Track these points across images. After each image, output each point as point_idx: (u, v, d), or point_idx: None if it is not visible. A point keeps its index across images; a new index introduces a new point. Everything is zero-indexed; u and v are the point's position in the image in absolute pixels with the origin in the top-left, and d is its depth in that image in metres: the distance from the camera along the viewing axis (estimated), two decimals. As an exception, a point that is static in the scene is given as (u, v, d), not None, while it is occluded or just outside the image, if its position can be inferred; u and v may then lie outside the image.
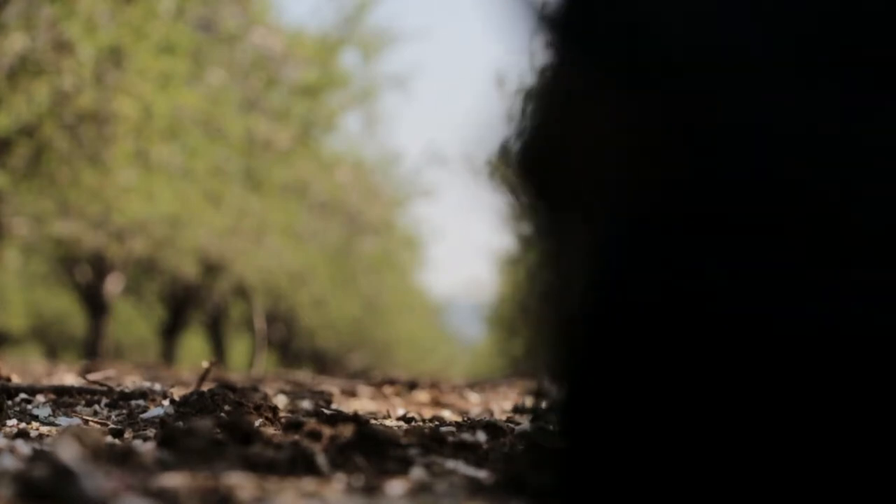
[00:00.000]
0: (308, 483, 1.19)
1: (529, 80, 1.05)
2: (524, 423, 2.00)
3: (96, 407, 2.07)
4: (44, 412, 1.96)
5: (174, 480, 1.12)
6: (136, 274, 14.44)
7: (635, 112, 0.90)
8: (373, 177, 18.20)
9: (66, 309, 19.86)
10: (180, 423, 1.58)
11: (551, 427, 1.56)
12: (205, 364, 2.24)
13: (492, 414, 2.76)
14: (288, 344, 22.52)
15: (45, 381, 2.86)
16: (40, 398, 2.13)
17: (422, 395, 3.28)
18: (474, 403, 3.15)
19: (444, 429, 1.84)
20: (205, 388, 2.31)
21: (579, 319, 0.93)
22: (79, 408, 2.06)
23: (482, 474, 1.29)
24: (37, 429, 1.75)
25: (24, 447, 1.39)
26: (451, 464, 1.36)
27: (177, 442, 1.30)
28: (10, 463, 1.19)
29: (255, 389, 2.36)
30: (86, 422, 1.87)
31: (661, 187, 0.88)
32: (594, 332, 0.92)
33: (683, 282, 0.86)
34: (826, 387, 0.83)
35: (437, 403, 3.13)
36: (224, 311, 18.00)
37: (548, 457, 1.18)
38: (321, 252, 16.09)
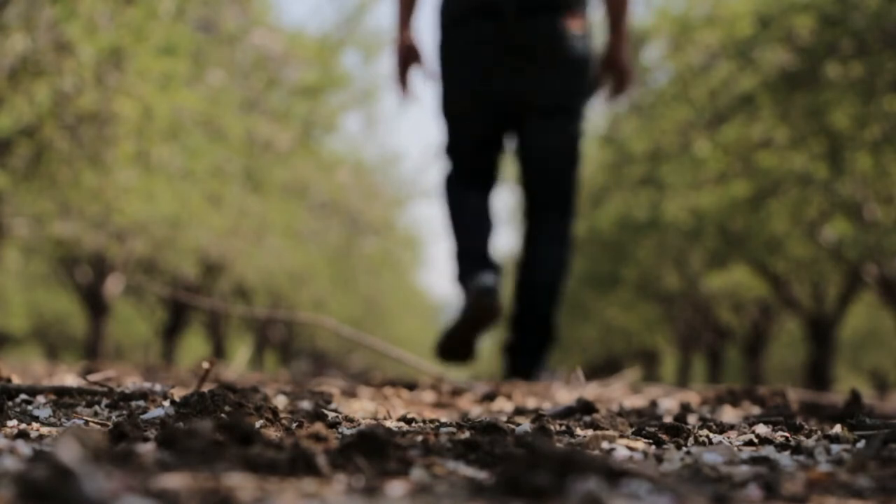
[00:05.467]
0: (308, 484, 1.19)
1: None
2: (524, 423, 2.01)
3: (97, 408, 2.07)
4: (44, 413, 1.96)
5: (174, 481, 1.12)
6: (138, 274, 14.44)
7: None
8: (373, 177, 18.21)
9: (67, 309, 19.88)
10: (181, 424, 1.58)
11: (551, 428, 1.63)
12: (205, 365, 2.24)
13: (492, 414, 2.76)
14: (288, 344, 22.53)
15: (46, 382, 2.86)
16: (41, 399, 2.13)
17: (422, 396, 3.28)
18: (475, 404, 3.15)
19: (444, 429, 1.84)
20: (205, 388, 2.31)
21: None
22: (79, 408, 2.06)
23: (482, 475, 1.30)
24: (37, 429, 1.75)
25: (24, 448, 1.39)
26: (451, 464, 1.36)
27: (177, 443, 1.30)
28: (10, 463, 1.20)
29: (255, 390, 2.36)
30: (86, 423, 1.88)
31: None
32: None
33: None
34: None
35: (437, 404, 3.13)
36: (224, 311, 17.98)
37: (547, 457, 1.18)
38: (321, 252, 16.09)
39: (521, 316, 4.37)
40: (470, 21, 4.20)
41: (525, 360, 4.36)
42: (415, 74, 4.51)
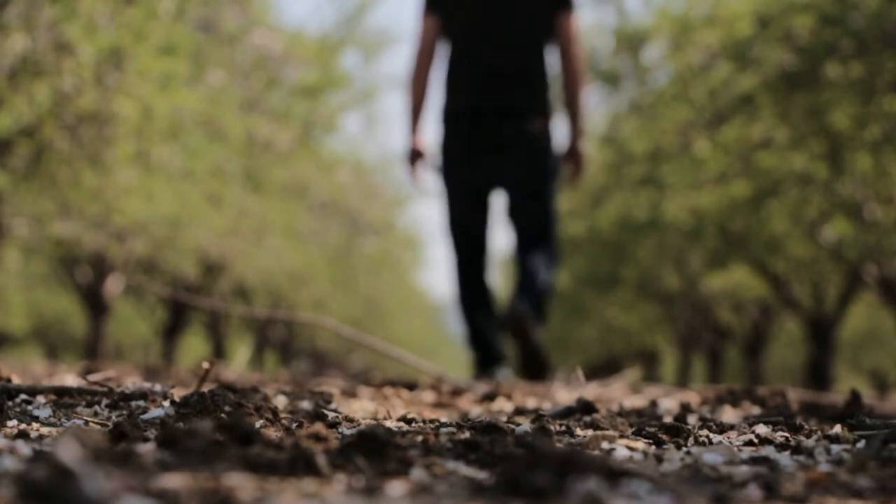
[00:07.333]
0: (308, 484, 1.19)
1: None
2: (524, 423, 2.01)
3: (97, 408, 2.07)
4: (44, 413, 1.96)
5: (175, 481, 1.12)
6: (138, 274, 14.44)
7: None
8: (373, 177, 18.20)
9: (67, 309, 19.86)
10: (181, 424, 1.58)
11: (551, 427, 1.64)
12: (205, 365, 2.24)
13: (492, 414, 2.76)
14: (288, 344, 22.54)
15: (46, 382, 2.86)
16: (41, 399, 2.13)
17: (422, 396, 3.28)
18: (475, 404, 3.15)
19: (444, 429, 1.84)
20: (205, 388, 2.31)
21: None
22: (79, 408, 2.06)
23: (482, 475, 1.30)
24: (37, 429, 1.75)
25: (24, 448, 1.39)
26: (451, 464, 1.36)
27: (177, 443, 1.30)
28: (10, 464, 1.20)
29: (255, 390, 2.36)
30: (86, 423, 1.87)
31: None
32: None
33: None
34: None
35: (437, 404, 3.13)
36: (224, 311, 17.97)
37: (546, 457, 1.17)
38: (321, 252, 16.09)
39: (520, 284, 5.20)
40: (459, 123, 5.34)
41: (526, 301, 5.04)
42: (422, 167, 5.60)
